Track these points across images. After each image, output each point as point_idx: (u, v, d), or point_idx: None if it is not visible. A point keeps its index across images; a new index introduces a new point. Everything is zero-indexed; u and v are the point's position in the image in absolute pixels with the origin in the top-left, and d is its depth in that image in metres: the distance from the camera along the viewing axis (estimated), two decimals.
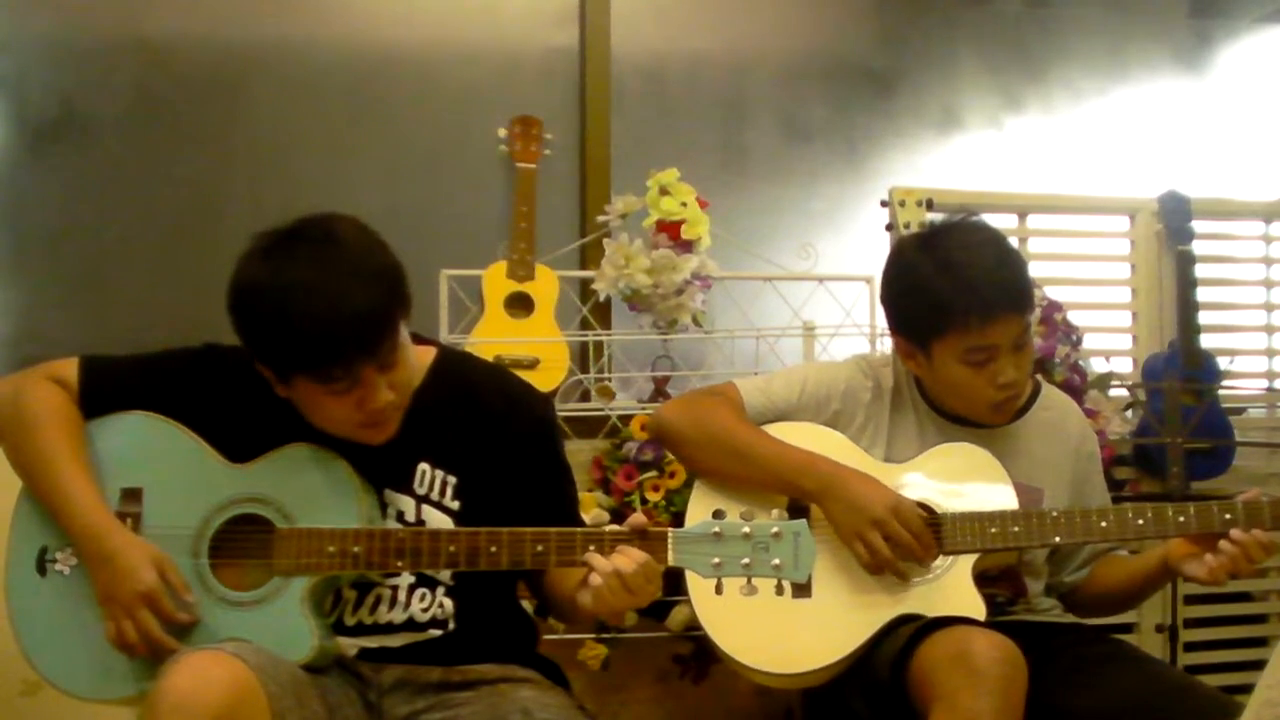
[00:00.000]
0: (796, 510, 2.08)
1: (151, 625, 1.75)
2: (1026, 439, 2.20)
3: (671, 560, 1.73)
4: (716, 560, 1.70)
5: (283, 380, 1.80)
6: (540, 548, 1.77)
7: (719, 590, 1.73)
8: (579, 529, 1.81)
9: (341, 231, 1.78)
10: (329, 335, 1.70)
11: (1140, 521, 2.04)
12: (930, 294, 2.05)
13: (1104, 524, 2.05)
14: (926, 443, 2.16)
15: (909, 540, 2.00)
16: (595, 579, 1.72)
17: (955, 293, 2.02)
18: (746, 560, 1.70)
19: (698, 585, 2.04)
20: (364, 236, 1.80)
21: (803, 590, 2.03)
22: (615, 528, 1.79)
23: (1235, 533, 1.99)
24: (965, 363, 2.06)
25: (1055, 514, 2.06)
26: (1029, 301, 2.09)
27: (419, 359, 1.91)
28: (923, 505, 2.07)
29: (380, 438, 1.85)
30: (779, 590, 1.72)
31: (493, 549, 1.78)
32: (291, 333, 1.72)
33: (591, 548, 1.75)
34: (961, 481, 2.10)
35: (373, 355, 1.75)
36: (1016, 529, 2.04)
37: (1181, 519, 2.02)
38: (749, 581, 1.72)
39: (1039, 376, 2.33)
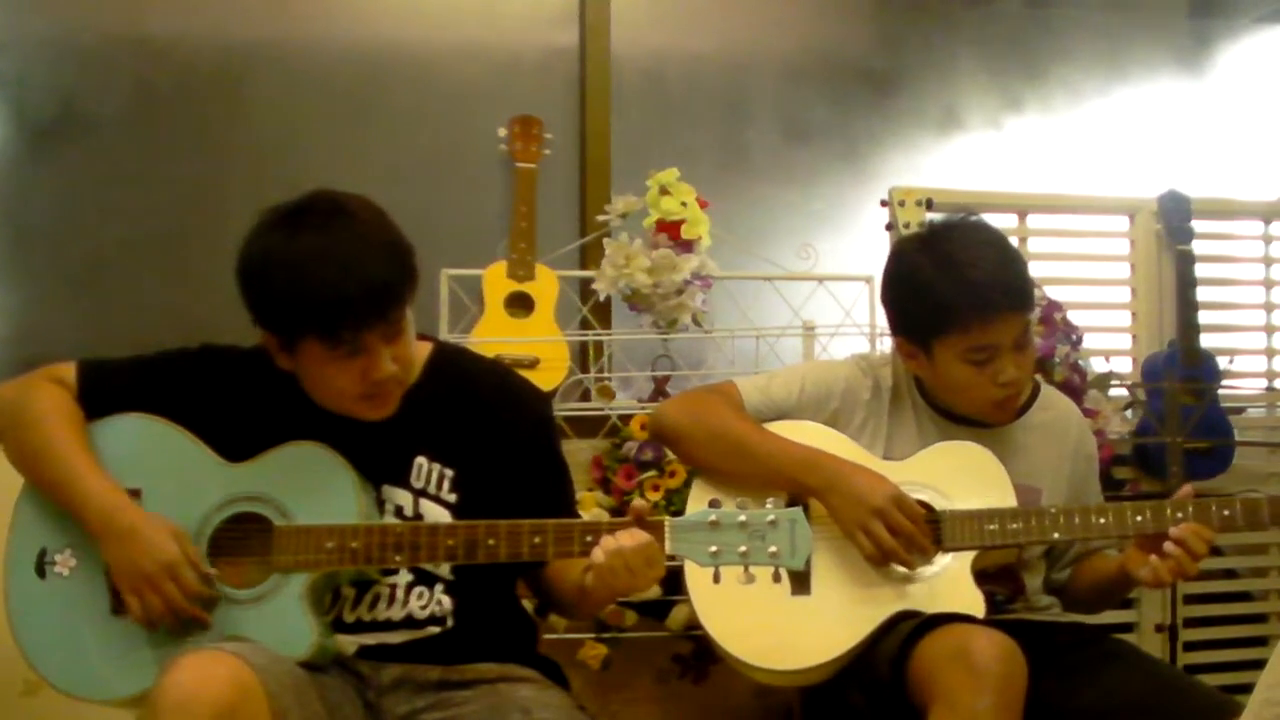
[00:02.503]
0: (794, 505, 2.08)
1: (177, 595, 1.76)
2: (1025, 439, 2.19)
3: (669, 548, 1.73)
4: (714, 548, 1.70)
5: (289, 347, 1.81)
6: (538, 539, 1.78)
7: (717, 579, 1.73)
8: (576, 520, 1.81)
9: (351, 204, 1.81)
10: (340, 295, 1.72)
11: (1139, 519, 2.03)
12: (931, 294, 2.05)
13: (1103, 521, 2.04)
14: (926, 441, 2.16)
15: (911, 529, 2.00)
16: (598, 554, 1.73)
17: (956, 292, 2.03)
18: (744, 548, 1.69)
19: (696, 581, 2.04)
20: (373, 211, 1.83)
21: (802, 586, 2.03)
22: (614, 519, 1.79)
23: (1174, 530, 1.98)
24: (967, 362, 2.06)
25: (1054, 511, 2.06)
26: (1030, 301, 2.09)
27: (416, 353, 1.91)
28: (922, 503, 2.06)
29: (379, 412, 1.86)
30: (776, 578, 1.71)
31: (491, 541, 1.78)
32: (303, 292, 1.73)
33: (588, 538, 1.75)
34: (961, 479, 2.10)
35: (381, 318, 1.77)
36: (1016, 526, 2.04)
37: (1179, 516, 2.02)
38: (746, 570, 1.71)
39: (1039, 377, 2.33)
